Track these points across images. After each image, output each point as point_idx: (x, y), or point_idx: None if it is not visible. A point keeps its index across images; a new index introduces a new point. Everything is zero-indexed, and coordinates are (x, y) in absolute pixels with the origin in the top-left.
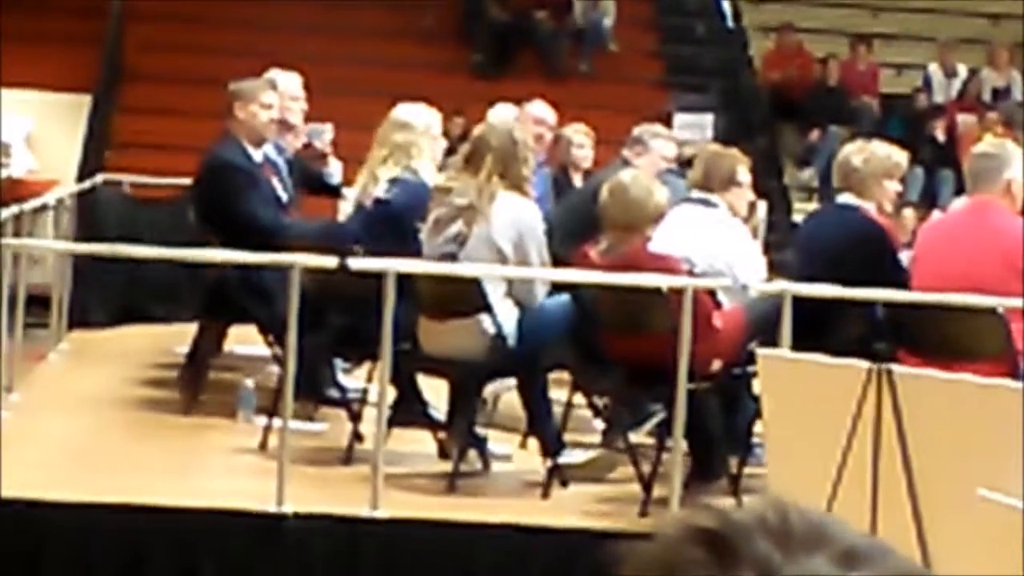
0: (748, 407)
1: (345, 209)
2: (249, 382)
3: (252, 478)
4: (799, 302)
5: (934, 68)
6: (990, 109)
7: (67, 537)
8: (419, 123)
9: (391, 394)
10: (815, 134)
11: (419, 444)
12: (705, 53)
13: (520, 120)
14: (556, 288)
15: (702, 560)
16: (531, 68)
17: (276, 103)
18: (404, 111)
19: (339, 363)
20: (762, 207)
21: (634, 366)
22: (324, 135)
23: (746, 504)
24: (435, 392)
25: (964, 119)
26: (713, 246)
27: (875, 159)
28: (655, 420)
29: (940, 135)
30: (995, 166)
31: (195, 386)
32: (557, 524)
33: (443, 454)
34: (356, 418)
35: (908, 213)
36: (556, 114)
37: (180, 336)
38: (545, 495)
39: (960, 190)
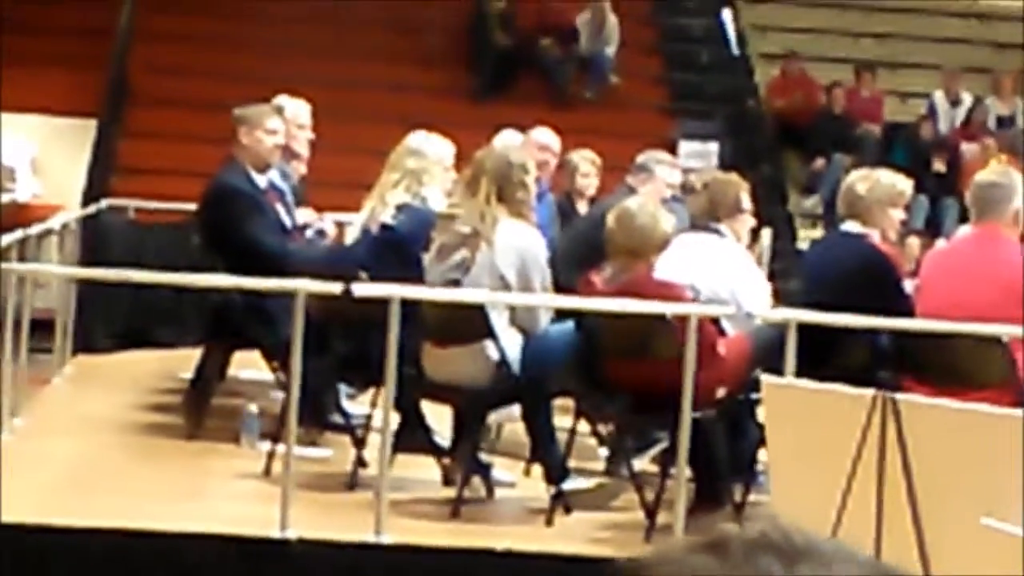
0: (752, 434)
1: (351, 234)
2: (253, 407)
3: (256, 503)
4: (804, 330)
5: (939, 96)
6: (994, 137)
7: (70, 561)
8: (432, 152)
9: (395, 420)
10: (819, 162)
11: (423, 470)
12: (710, 80)
13: (525, 146)
14: (561, 315)
15: (706, 564)
16: (535, 94)
17: (281, 129)
18: (419, 139)
19: (343, 389)
20: (767, 234)
21: (638, 393)
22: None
23: (748, 524)
24: (439, 418)
25: (968, 147)
26: (718, 273)
27: (879, 187)
28: (659, 447)
29: (944, 164)
30: (1003, 196)
31: (199, 411)
32: (561, 551)
33: (447, 480)
34: (360, 444)
35: (912, 241)
36: (561, 140)
37: (184, 361)
38: (549, 522)
39: (964, 218)
